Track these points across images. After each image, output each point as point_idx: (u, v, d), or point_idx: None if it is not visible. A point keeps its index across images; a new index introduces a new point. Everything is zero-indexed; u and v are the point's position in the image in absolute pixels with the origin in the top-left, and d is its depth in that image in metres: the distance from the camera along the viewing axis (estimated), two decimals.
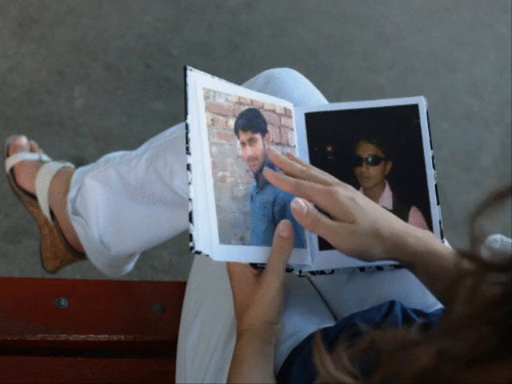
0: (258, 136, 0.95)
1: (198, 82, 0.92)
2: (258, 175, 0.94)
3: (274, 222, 0.93)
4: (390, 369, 0.57)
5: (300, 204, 0.87)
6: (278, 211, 0.94)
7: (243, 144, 0.94)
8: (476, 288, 0.56)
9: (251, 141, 0.95)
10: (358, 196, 0.89)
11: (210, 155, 0.90)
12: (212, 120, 0.91)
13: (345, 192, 0.88)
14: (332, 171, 0.94)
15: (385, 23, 2.30)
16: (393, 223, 0.88)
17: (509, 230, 1.50)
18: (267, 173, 0.93)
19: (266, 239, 0.91)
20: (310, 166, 0.95)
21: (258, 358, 0.87)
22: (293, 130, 1.01)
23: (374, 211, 0.88)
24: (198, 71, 0.92)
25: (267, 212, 0.93)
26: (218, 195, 0.89)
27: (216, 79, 0.94)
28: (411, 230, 0.88)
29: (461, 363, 0.54)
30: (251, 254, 0.90)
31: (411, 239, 0.87)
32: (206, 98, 0.92)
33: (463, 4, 2.38)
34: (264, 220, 0.92)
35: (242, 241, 0.89)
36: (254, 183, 0.93)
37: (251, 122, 0.96)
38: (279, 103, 1.00)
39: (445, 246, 0.90)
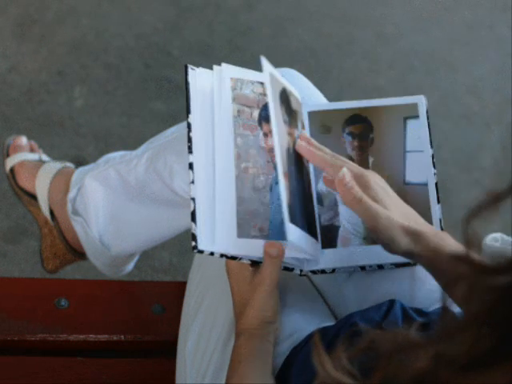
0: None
1: (225, 72, 0.92)
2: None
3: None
4: (389, 370, 0.57)
5: (348, 176, 0.87)
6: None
7: (265, 135, 0.94)
8: (471, 291, 0.56)
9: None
10: (389, 188, 0.89)
11: (234, 146, 0.89)
12: (238, 111, 0.91)
13: (378, 180, 0.89)
14: None
15: (385, 23, 2.30)
16: (418, 219, 0.89)
17: (509, 228, 1.50)
18: (301, 146, 0.92)
19: (283, 230, 0.91)
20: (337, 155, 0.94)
21: (257, 358, 0.87)
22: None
23: (401, 205, 0.89)
24: (227, 65, 0.93)
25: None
26: (240, 186, 0.89)
27: (240, 68, 0.94)
28: (433, 230, 0.89)
29: (457, 366, 0.54)
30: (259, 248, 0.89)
31: (433, 238, 0.86)
32: (234, 89, 0.92)
33: (463, 4, 2.38)
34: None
35: (261, 231, 0.89)
36: (275, 174, 0.93)
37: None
38: (297, 94, 1.01)
39: (460, 246, 0.90)
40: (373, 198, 0.87)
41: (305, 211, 0.93)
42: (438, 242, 0.86)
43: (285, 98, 0.94)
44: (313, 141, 0.95)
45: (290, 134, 0.93)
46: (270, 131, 0.93)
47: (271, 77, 0.91)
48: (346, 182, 0.86)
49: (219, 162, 0.89)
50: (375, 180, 0.89)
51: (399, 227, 0.85)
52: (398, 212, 0.87)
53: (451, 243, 0.87)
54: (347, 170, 0.87)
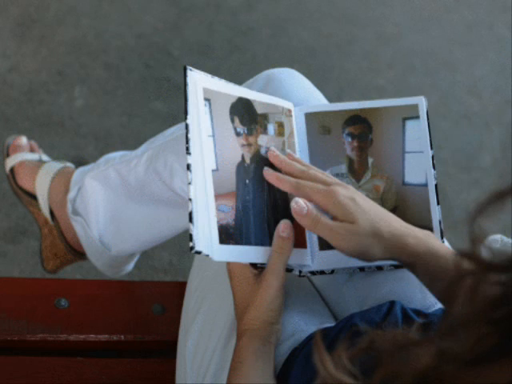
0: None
1: (199, 81, 0.92)
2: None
3: (267, 222, 0.93)
4: (390, 369, 0.57)
5: (300, 204, 0.87)
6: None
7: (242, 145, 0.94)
8: (476, 288, 0.56)
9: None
10: (358, 196, 0.89)
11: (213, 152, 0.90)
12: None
13: (345, 192, 0.88)
14: None
15: (385, 23, 2.30)
16: (393, 223, 0.88)
17: (509, 230, 1.50)
18: (267, 173, 0.93)
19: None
20: (310, 166, 0.95)
21: (258, 358, 0.87)
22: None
23: (374, 211, 0.88)
24: (199, 71, 0.92)
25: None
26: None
27: (216, 79, 0.94)
28: (411, 230, 0.88)
29: (460, 363, 0.54)
30: (251, 253, 0.90)
31: (411, 239, 0.87)
32: (207, 99, 0.92)
33: (463, 4, 2.38)
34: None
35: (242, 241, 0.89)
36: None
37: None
38: (279, 103, 1.00)
39: (445, 246, 0.90)
40: (340, 213, 0.87)
41: (274, 222, 0.93)
42: (418, 243, 0.87)
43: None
44: (283, 156, 0.95)
45: (250, 144, 0.93)
46: (246, 144, 0.94)
47: (205, 92, 0.91)
48: (298, 211, 0.87)
49: (195, 171, 0.89)
50: (342, 193, 0.88)
51: (371, 235, 0.86)
52: (368, 220, 0.87)
53: (434, 241, 0.88)
54: (298, 199, 0.88)
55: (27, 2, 2.10)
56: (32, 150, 1.53)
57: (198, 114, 0.90)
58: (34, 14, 2.08)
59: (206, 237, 0.86)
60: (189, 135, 0.88)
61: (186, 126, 0.88)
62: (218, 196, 0.89)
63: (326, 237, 0.87)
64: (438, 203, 0.99)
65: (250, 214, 0.91)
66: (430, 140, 1.01)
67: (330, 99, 1.17)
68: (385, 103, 1.03)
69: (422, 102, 1.02)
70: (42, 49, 2.03)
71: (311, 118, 1.03)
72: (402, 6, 2.34)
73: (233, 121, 0.93)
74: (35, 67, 1.99)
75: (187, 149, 0.88)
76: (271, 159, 0.94)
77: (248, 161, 0.93)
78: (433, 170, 1.00)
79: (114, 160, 1.29)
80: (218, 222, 0.87)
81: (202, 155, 0.89)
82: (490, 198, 0.55)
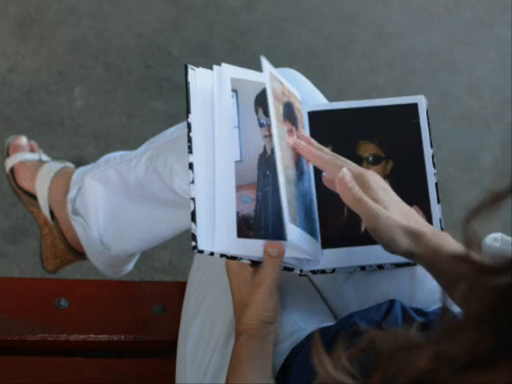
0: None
1: (225, 72, 0.92)
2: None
3: (306, 212, 0.93)
4: (389, 370, 0.57)
5: (348, 176, 0.87)
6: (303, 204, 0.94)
7: (290, 131, 0.94)
8: (471, 291, 0.56)
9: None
10: (388, 186, 0.89)
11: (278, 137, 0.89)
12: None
13: (377, 179, 0.89)
14: None
15: (385, 23, 2.29)
16: (418, 219, 0.89)
17: (509, 228, 1.50)
18: (301, 146, 0.92)
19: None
20: (336, 154, 0.94)
21: (257, 358, 0.87)
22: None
23: (402, 205, 0.89)
24: (226, 64, 0.93)
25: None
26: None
27: (240, 68, 0.94)
28: (433, 230, 0.89)
29: (457, 366, 0.54)
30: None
31: (434, 237, 0.86)
32: (234, 90, 0.92)
33: (463, 4, 2.38)
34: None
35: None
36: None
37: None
38: (296, 93, 1.01)
39: (462, 247, 0.89)
40: (373, 198, 0.86)
41: (304, 212, 0.93)
42: (438, 242, 0.86)
43: (264, 99, 0.94)
44: (313, 141, 0.95)
45: (272, 135, 0.94)
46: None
47: (271, 77, 0.91)
48: (345, 181, 0.86)
49: (219, 161, 0.89)
50: (375, 180, 0.88)
51: (399, 227, 0.85)
52: (398, 212, 0.87)
53: (451, 243, 0.87)
54: (347, 170, 0.87)
55: (27, 2, 2.10)
56: (32, 150, 1.53)
57: (220, 104, 0.90)
58: (34, 14, 2.08)
59: (208, 236, 0.86)
60: (190, 134, 0.88)
61: (188, 125, 0.89)
62: (240, 187, 0.88)
63: (364, 215, 0.86)
64: (439, 202, 0.99)
65: (269, 205, 0.91)
66: (430, 139, 1.01)
67: (330, 99, 1.17)
68: (385, 102, 1.03)
69: (421, 101, 1.02)
70: (41, 49, 2.03)
71: (314, 116, 1.03)
72: (402, 6, 2.34)
73: (257, 112, 0.93)
74: (35, 67, 1.99)
75: (189, 148, 0.88)
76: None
77: (269, 152, 0.93)
78: (433, 168, 1.00)
79: (114, 160, 1.29)
80: (239, 212, 0.87)
81: (274, 135, 0.88)
82: (484, 201, 0.55)
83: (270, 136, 0.92)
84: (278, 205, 0.89)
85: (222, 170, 0.88)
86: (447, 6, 2.38)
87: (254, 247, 0.88)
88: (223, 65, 0.93)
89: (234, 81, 0.92)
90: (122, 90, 2.00)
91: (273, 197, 0.91)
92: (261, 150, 0.92)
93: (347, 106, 1.04)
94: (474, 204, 0.55)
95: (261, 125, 0.93)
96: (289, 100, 0.97)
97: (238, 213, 0.88)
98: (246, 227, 0.87)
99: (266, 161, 0.92)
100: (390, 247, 0.86)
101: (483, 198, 0.55)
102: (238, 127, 0.91)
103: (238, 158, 0.90)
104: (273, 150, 0.90)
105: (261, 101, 0.94)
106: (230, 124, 0.90)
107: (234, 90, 0.92)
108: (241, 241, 0.87)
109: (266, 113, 0.93)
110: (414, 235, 0.86)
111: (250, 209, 0.89)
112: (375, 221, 0.85)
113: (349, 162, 0.91)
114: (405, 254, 0.87)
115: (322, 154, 0.92)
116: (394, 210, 0.87)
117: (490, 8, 2.39)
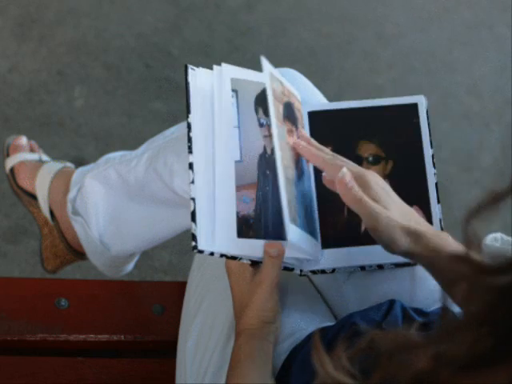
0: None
1: (225, 72, 0.92)
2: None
3: (306, 212, 0.93)
4: (389, 370, 0.57)
5: (348, 176, 0.87)
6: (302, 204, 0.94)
7: (289, 131, 0.94)
8: (471, 291, 0.56)
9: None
10: (387, 187, 0.89)
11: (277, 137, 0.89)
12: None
13: (377, 179, 0.89)
14: None
15: (385, 23, 2.29)
16: (418, 220, 0.89)
17: (509, 228, 1.49)
18: (301, 146, 0.92)
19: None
20: (336, 154, 0.94)
21: (256, 358, 0.87)
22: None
23: (402, 205, 0.89)
24: (226, 64, 0.92)
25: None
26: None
27: (240, 68, 0.95)
28: (433, 230, 0.89)
29: (457, 366, 0.54)
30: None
31: (435, 238, 0.86)
32: (234, 90, 0.92)
33: (463, 4, 2.38)
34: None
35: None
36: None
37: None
38: (296, 93, 1.01)
39: (462, 247, 0.89)
40: (373, 197, 0.86)
41: (305, 212, 0.93)
42: (439, 242, 0.86)
43: (264, 99, 0.94)
44: (313, 141, 0.95)
45: (271, 135, 0.94)
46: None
47: (271, 77, 0.91)
48: (345, 181, 0.86)
49: (219, 161, 0.89)
50: (375, 180, 0.89)
51: (399, 227, 0.85)
52: (398, 212, 0.87)
53: (452, 243, 0.87)
54: (347, 170, 0.87)
55: (27, 2, 2.10)
56: (32, 150, 1.53)
57: (220, 104, 0.90)
58: (34, 14, 2.08)
59: (208, 235, 0.86)
60: (190, 134, 0.88)
61: (188, 125, 0.89)
62: (240, 187, 0.88)
63: (364, 215, 0.86)
64: (439, 202, 0.99)
65: (269, 205, 0.91)
66: (430, 139, 1.01)
67: (330, 99, 1.17)
68: (385, 102, 1.03)
69: (421, 101, 1.02)
70: (41, 49, 2.03)
71: (314, 116, 1.03)
72: (402, 5, 2.34)
73: (257, 112, 0.93)
74: (35, 67, 1.99)
75: (189, 148, 0.88)
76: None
77: (269, 152, 0.93)
78: (433, 168, 1.00)
79: (114, 160, 1.29)
80: (239, 212, 0.87)
81: (226, 146, 0.88)
82: (484, 202, 0.55)
83: (269, 136, 0.92)
84: (278, 205, 0.89)
85: (222, 170, 0.88)
86: (447, 6, 2.37)
87: (253, 247, 0.88)
88: (223, 65, 0.93)
89: (233, 81, 0.92)
90: (122, 90, 2.00)
91: (273, 197, 0.91)
92: (261, 150, 0.92)
93: (347, 106, 1.04)
94: (474, 204, 0.55)
95: (261, 125, 0.93)
96: (289, 100, 0.97)
97: (238, 213, 0.88)
98: (245, 227, 0.87)
99: (266, 161, 0.92)
100: (390, 247, 0.86)
101: (483, 198, 0.55)
102: (238, 127, 0.91)
103: (238, 158, 0.90)
104: (273, 150, 0.90)
105: (261, 101, 0.94)
106: (230, 124, 0.90)
107: (234, 90, 0.92)
108: (241, 241, 0.87)
109: (266, 113, 0.93)
110: (414, 235, 0.86)
111: (250, 209, 0.89)
112: (375, 221, 0.85)
113: (349, 162, 0.91)
114: (405, 254, 0.87)
115: (321, 154, 0.92)
116: (394, 210, 0.87)
117: (489, 8, 2.39)
